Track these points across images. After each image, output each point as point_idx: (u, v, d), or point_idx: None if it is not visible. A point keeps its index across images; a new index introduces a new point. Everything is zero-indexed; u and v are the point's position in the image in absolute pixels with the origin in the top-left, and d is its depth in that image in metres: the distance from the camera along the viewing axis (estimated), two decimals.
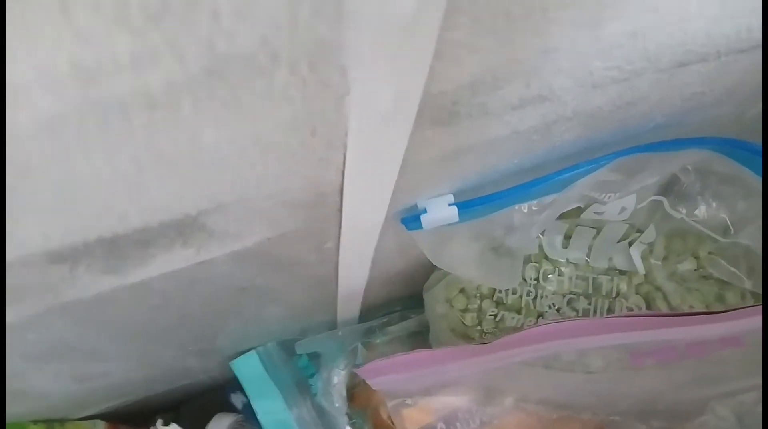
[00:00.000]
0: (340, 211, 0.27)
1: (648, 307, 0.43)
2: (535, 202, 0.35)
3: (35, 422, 0.47)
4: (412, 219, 0.31)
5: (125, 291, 0.28)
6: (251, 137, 0.18)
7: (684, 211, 0.40)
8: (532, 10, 0.17)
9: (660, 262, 0.43)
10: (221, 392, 0.59)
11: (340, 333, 0.55)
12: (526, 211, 0.36)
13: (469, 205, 0.31)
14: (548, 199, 0.35)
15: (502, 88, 0.22)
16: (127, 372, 0.45)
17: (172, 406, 0.61)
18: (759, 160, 0.34)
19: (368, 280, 0.43)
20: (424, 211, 0.31)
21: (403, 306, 0.57)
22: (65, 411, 0.49)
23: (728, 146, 0.33)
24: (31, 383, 0.39)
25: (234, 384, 0.55)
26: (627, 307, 0.42)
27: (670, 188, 0.39)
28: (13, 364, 0.34)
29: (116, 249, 0.24)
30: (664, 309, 0.42)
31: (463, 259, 0.39)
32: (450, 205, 0.31)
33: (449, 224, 0.32)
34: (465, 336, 0.43)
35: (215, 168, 0.19)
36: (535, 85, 0.22)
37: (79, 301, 0.27)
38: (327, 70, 0.16)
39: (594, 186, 0.35)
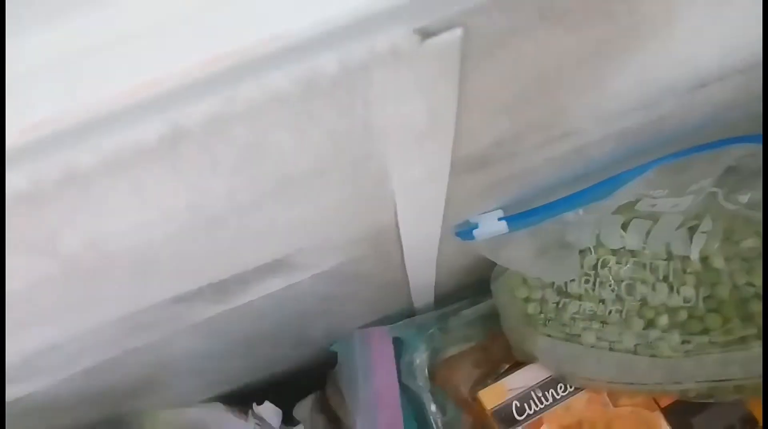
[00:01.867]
0: (399, 238, 0.32)
1: (708, 289, 0.44)
2: (581, 209, 0.37)
3: (163, 409, 0.56)
4: (465, 233, 0.35)
5: (230, 312, 0.34)
6: (317, 211, 0.23)
7: (739, 200, 0.41)
8: (535, 93, 0.21)
9: (719, 244, 0.44)
10: (314, 374, 0.67)
11: (417, 320, 0.60)
12: (575, 215, 0.39)
13: (517, 219, 0.35)
14: (596, 204, 0.37)
15: (525, 138, 0.25)
16: (235, 365, 0.52)
17: (272, 387, 0.69)
18: None
19: (436, 277, 0.48)
20: (476, 226, 0.35)
21: (474, 291, 0.61)
22: (188, 398, 0.58)
23: None
24: (163, 383, 0.47)
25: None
26: (684, 291, 0.44)
27: (725, 178, 0.40)
28: (146, 369, 0.41)
29: (221, 288, 0.30)
30: (725, 290, 0.44)
31: (520, 258, 0.43)
32: (499, 219, 0.34)
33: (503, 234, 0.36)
34: (530, 324, 0.47)
35: (293, 233, 0.24)
36: (556, 130, 0.25)
37: (195, 324, 0.34)
38: (367, 167, 0.20)
39: (641, 186, 0.37)
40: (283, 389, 0.69)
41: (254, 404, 0.57)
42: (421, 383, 0.59)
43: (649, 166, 0.34)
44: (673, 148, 0.34)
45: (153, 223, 0.18)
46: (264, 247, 0.25)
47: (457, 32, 0.14)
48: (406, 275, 0.44)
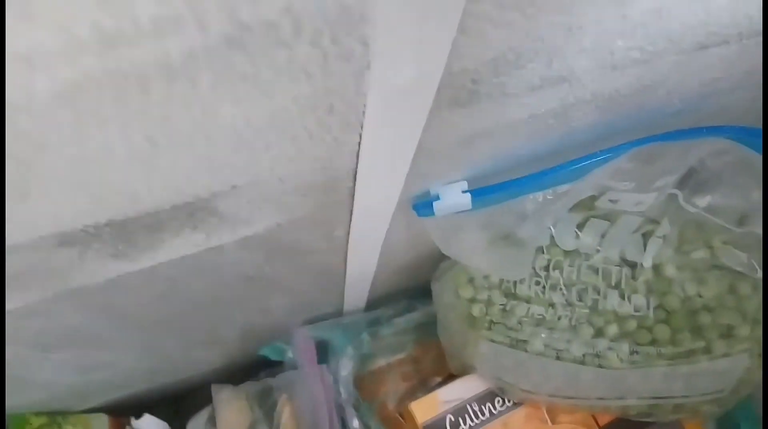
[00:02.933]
0: (353, 196, 0.27)
1: (658, 298, 0.42)
2: (549, 190, 0.34)
3: (37, 414, 0.47)
4: (423, 205, 0.31)
5: (133, 277, 0.28)
6: (268, 115, 0.18)
7: (698, 203, 0.39)
8: None
9: (671, 253, 0.42)
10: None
11: (346, 320, 0.55)
12: (540, 199, 0.36)
13: (483, 193, 0.31)
14: (563, 187, 0.34)
15: (523, 66, 0.21)
16: (131, 362, 0.44)
17: (174, 399, 0.61)
18: None
19: (376, 269, 0.43)
20: (437, 198, 0.30)
21: (410, 297, 0.57)
22: (67, 403, 0.48)
23: (745, 134, 0.33)
24: (35, 373, 0.38)
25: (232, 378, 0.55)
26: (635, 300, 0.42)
27: (685, 181, 0.38)
28: (17, 352, 0.33)
29: (126, 233, 0.23)
30: (676, 301, 0.42)
31: (473, 248, 0.39)
32: (464, 191, 0.30)
33: (461, 212, 0.32)
34: (473, 327, 0.43)
35: (230, 148, 0.19)
36: (556, 65, 0.22)
37: (86, 287, 0.27)
38: (349, 41, 0.15)
39: (610, 175, 0.35)
40: (185, 400, 0.61)
41: (132, 418, 0.49)
42: (344, 396, 0.54)
43: (624, 147, 0.32)
44: (650, 132, 0.32)
45: (35, 59, 0.12)
46: (189, 164, 0.19)
47: None
48: (345, 262, 0.39)
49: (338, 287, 0.45)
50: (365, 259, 0.39)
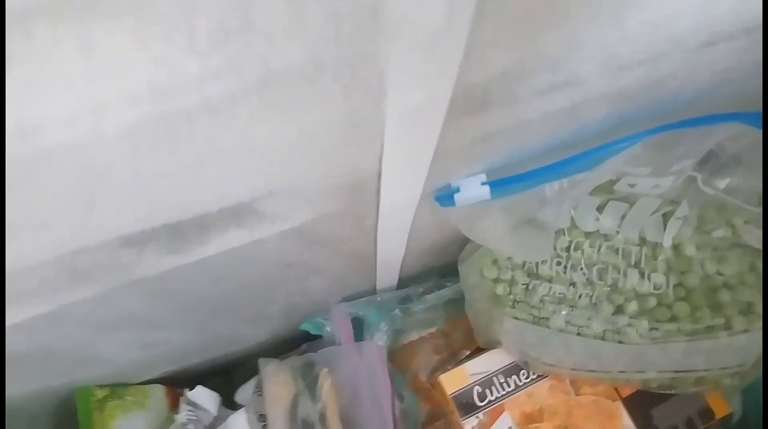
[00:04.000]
0: (378, 193, 0.29)
1: (678, 276, 0.44)
2: (566, 179, 0.36)
3: (101, 387, 0.51)
4: (445, 197, 0.33)
5: (186, 268, 0.31)
6: (297, 135, 0.20)
7: (718, 185, 0.40)
8: (555, 9, 0.18)
9: (691, 232, 0.43)
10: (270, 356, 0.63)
11: (379, 298, 0.58)
12: (557, 187, 0.37)
13: (501, 184, 0.33)
14: (580, 176, 0.36)
15: (530, 77, 0.23)
16: (185, 340, 0.48)
17: (223, 370, 0.65)
18: None
19: (405, 251, 0.45)
20: (458, 190, 0.32)
21: (440, 275, 0.59)
22: (128, 376, 0.53)
23: (759, 119, 0.33)
24: (101, 351, 0.42)
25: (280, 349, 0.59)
26: (655, 278, 0.43)
27: (704, 163, 0.39)
28: (85, 335, 0.37)
29: (179, 233, 0.26)
30: (695, 279, 0.43)
31: (495, 232, 0.41)
32: (482, 184, 0.32)
33: (483, 201, 0.34)
34: (497, 305, 0.45)
35: (266, 161, 0.22)
36: (562, 73, 0.24)
37: (145, 278, 0.30)
38: (366, 75, 0.17)
39: (626, 161, 0.36)
40: (234, 371, 0.65)
41: (186, 390, 0.53)
42: None
43: (637, 137, 0.33)
44: (664, 121, 0.33)
45: (104, 108, 0.15)
46: (231, 178, 0.22)
47: None
48: (376, 247, 0.41)
49: (370, 269, 0.47)
50: (394, 243, 0.41)
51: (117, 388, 0.53)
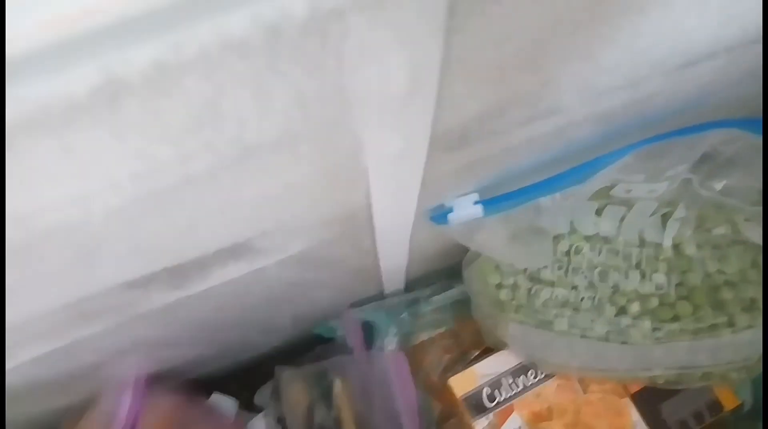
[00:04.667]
0: (371, 220, 0.30)
1: (679, 276, 0.44)
2: (559, 193, 0.36)
3: None
4: (439, 217, 0.34)
5: (190, 299, 0.32)
6: (284, 188, 0.21)
7: (714, 187, 0.40)
8: (524, 60, 0.19)
9: (691, 232, 0.43)
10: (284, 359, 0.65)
11: (387, 303, 0.59)
12: (552, 199, 0.38)
13: (493, 202, 0.33)
14: (572, 190, 0.36)
15: (507, 113, 0.23)
16: (198, 352, 0.50)
17: (238, 376, 0.67)
18: None
19: (408, 261, 0.46)
20: (451, 210, 0.33)
21: (446, 276, 0.60)
22: None
23: (749, 125, 0.33)
24: (117, 370, 0.44)
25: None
26: (656, 278, 0.44)
27: (699, 166, 0.39)
28: (101, 358, 0.39)
29: (179, 272, 0.27)
30: (697, 278, 0.43)
31: (495, 243, 0.42)
32: (475, 202, 0.33)
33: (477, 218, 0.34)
34: (502, 310, 0.46)
35: (255, 212, 0.22)
36: (541, 105, 0.24)
37: (152, 311, 0.32)
38: (340, 138, 0.18)
39: (619, 171, 0.36)
40: (249, 375, 0.67)
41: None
42: None
43: (627, 150, 0.33)
44: (653, 132, 0.34)
45: (90, 196, 0.15)
46: (224, 228, 0.23)
47: None
48: (378, 260, 0.42)
49: (375, 279, 0.48)
50: (395, 257, 0.42)
51: None
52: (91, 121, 0.13)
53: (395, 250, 0.39)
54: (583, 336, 0.45)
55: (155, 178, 0.16)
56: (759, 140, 0.35)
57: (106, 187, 0.15)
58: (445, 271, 0.59)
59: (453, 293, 0.59)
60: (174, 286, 0.29)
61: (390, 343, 0.58)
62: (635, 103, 0.29)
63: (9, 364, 0.31)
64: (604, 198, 0.42)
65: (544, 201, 0.38)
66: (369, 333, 0.58)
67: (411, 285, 0.59)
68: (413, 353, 0.59)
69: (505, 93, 0.21)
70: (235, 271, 0.31)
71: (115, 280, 0.25)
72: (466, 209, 0.33)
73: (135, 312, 0.31)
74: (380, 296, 0.60)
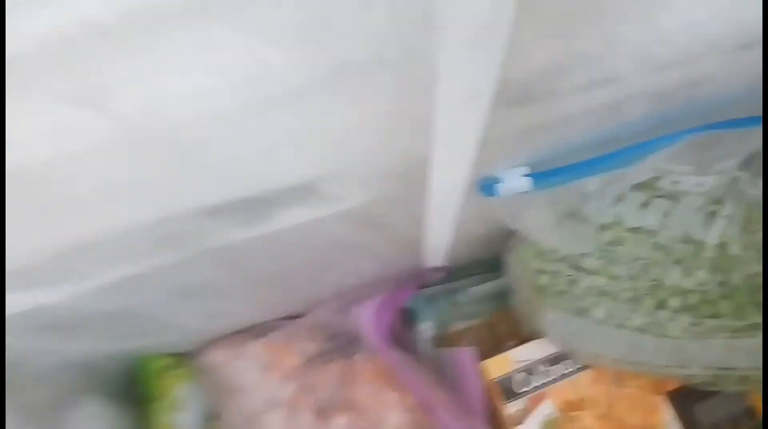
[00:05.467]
0: (426, 181, 0.32)
1: (722, 274, 0.44)
2: (607, 175, 0.37)
3: (163, 356, 0.56)
4: (489, 187, 0.35)
5: (253, 241, 0.35)
6: (359, 120, 0.23)
7: (762, 185, 0.41)
8: (590, 11, 0.21)
9: (737, 232, 0.44)
10: None
11: (427, 291, 0.60)
12: (599, 182, 0.39)
13: (542, 176, 0.35)
14: (620, 172, 0.37)
15: (570, 73, 0.25)
16: (243, 311, 0.53)
17: None
18: None
19: (453, 241, 0.48)
20: (500, 181, 0.35)
21: (487, 268, 0.61)
22: (192, 346, 0.58)
23: None
24: (172, 318, 0.47)
25: None
26: (699, 275, 0.44)
27: (747, 164, 0.40)
28: (162, 298, 0.42)
29: (249, 207, 0.30)
30: (740, 277, 0.44)
31: (540, 224, 0.43)
32: (524, 175, 0.35)
33: (525, 192, 0.36)
34: (541, 295, 0.47)
35: (328, 144, 0.25)
36: (600, 70, 0.26)
37: (218, 248, 0.34)
38: (419, 68, 0.20)
39: (668, 159, 0.37)
40: None
41: None
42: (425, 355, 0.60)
43: (679, 135, 0.34)
44: (705, 121, 0.35)
45: (213, 91, 0.18)
46: (297, 160, 0.26)
47: None
48: (424, 233, 0.44)
49: (418, 257, 0.50)
50: (441, 232, 0.44)
51: (178, 358, 0.58)
52: (226, 13, 0.15)
53: (442, 221, 0.41)
54: (620, 326, 0.46)
55: (264, 81, 0.19)
56: None
57: (227, 83, 0.18)
58: (486, 263, 0.61)
59: (492, 286, 0.61)
60: (242, 222, 0.32)
61: (426, 329, 0.60)
62: (689, 85, 0.30)
63: (84, 286, 0.34)
64: (650, 189, 0.43)
65: (591, 184, 0.39)
66: (408, 319, 0.60)
67: (453, 272, 0.60)
68: (447, 340, 0.61)
69: (569, 49, 0.23)
70: (297, 215, 0.33)
71: (194, 203, 0.28)
72: (515, 181, 0.35)
73: (205, 245, 0.34)
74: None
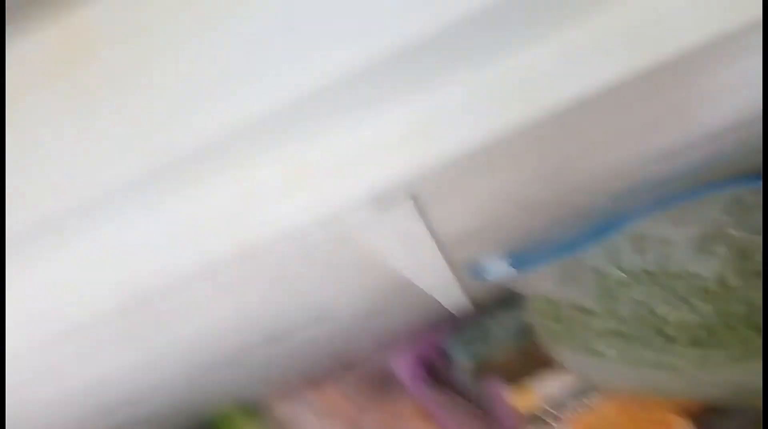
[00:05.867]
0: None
1: (725, 306, 0.46)
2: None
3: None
4: (476, 273, 0.39)
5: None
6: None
7: (749, 228, 0.42)
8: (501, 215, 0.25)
9: (736, 264, 0.46)
10: None
11: (461, 329, 0.65)
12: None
13: (525, 262, 0.39)
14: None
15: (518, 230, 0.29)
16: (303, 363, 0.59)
17: None
18: None
19: (465, 293, 0.51)
20: (486, 269, 0.39)
21: (513, 302, 0.64)
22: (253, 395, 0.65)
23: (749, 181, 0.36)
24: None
25: None
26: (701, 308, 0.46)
27: (731, 208, 0.42)
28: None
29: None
30: (742, 307, 0.46)
31: (542, 286, 0.46)
32: (508, 264, 0.39)
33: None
34: (555, 339, 0.51)
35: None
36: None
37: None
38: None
39: (647, 222, 0.40)
40: None
41: None
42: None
43: (647, 210, 0.37)
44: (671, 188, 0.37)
45: None
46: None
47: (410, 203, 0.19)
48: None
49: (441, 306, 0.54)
50: (449, 295, 0.48)
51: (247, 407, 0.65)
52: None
53: (443, 292, 0.45)
54: (633, 363, 0.48)
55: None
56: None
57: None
58: (513, 296, 0.64)
59: (520, 317, 0.64)
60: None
61: (464, 366, 0.64)
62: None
63: None
64: (643, 238, 0.46)
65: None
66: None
67: (480, 307, 0.64)
68: (483, 374, 0.65)
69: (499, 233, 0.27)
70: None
71: None
72: (499, 270, 0.39)
73: None
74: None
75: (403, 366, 0.60)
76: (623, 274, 0.48)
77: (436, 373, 0.64)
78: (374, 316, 0.50)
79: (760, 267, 0.45)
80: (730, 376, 0.47)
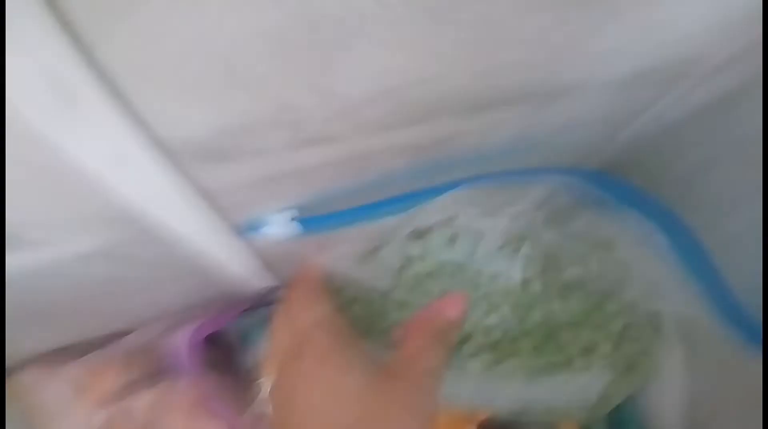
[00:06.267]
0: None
1: (524, 311, 0.44)
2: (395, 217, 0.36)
3: None
4: (254, 229, 0.33)
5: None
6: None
7: (560, 229, 0.40)
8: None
9: (540, 270, 0.44)
10: None
11: (262, 312, 0.58)
12: (391, 222, 0.37)
13: (312, 221, 0.33)
14: (407, 214, 0.36)
15: (263, 134, 0.23)
16: (64, 329, 0.48)
17: None
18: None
19: (264, 266, 0.45)
20: (265, 224, 0.32)
21: None
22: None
23: (583, 177, 0.34)
24: None
25: None
26: (502, 311, 0.44)
27: (544, 205, 0.39)
28: None
29: None
30: (540, 315, 0.44)
31: (340, 261, 0.41)
32: (292, 219, 0.32)
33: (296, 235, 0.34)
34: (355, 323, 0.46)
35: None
36: (303, 131, 0.24)
37: None
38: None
39: (453, 203, 0.36)
40: None
41: None
42: None
43: (454, 185, 0.33)
44: (480, 170, 0.33)
45: None
46: None
47: None
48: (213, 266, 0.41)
49: (233, 282, 0.47)
50: (236, 262, 0.41)
51: None
52: None
53: (225, 256, 0.38)
54: None
55: None
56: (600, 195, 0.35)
57: None
58: None
59: None
60: None
61: (258, 353, 0.57)
62: (442, 142, 0.29)
63: None
64: (454, 226, 0.42)
65: (387, 226, 0.38)
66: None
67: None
68: None
69: (239, 111, 0.21)
70: (23, 260, 0.30)
71: None
72: (281, 226, 0.32)
73: None
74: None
75: (180, 346, 0.52)
76: (430, 262, 0.44)
77: (225, 355, 0.57)
78: (122, 289, 0.41)
79: (567, 278, 0.44)
80: (520, 387, 0.44)
